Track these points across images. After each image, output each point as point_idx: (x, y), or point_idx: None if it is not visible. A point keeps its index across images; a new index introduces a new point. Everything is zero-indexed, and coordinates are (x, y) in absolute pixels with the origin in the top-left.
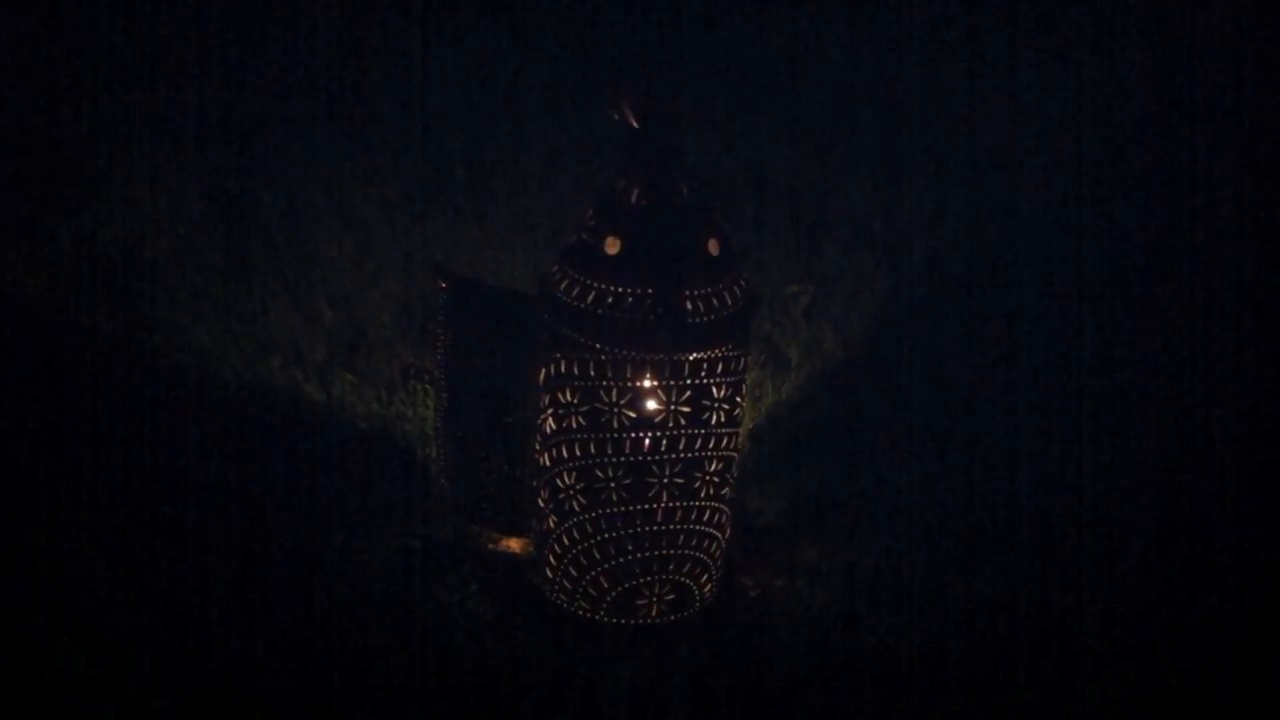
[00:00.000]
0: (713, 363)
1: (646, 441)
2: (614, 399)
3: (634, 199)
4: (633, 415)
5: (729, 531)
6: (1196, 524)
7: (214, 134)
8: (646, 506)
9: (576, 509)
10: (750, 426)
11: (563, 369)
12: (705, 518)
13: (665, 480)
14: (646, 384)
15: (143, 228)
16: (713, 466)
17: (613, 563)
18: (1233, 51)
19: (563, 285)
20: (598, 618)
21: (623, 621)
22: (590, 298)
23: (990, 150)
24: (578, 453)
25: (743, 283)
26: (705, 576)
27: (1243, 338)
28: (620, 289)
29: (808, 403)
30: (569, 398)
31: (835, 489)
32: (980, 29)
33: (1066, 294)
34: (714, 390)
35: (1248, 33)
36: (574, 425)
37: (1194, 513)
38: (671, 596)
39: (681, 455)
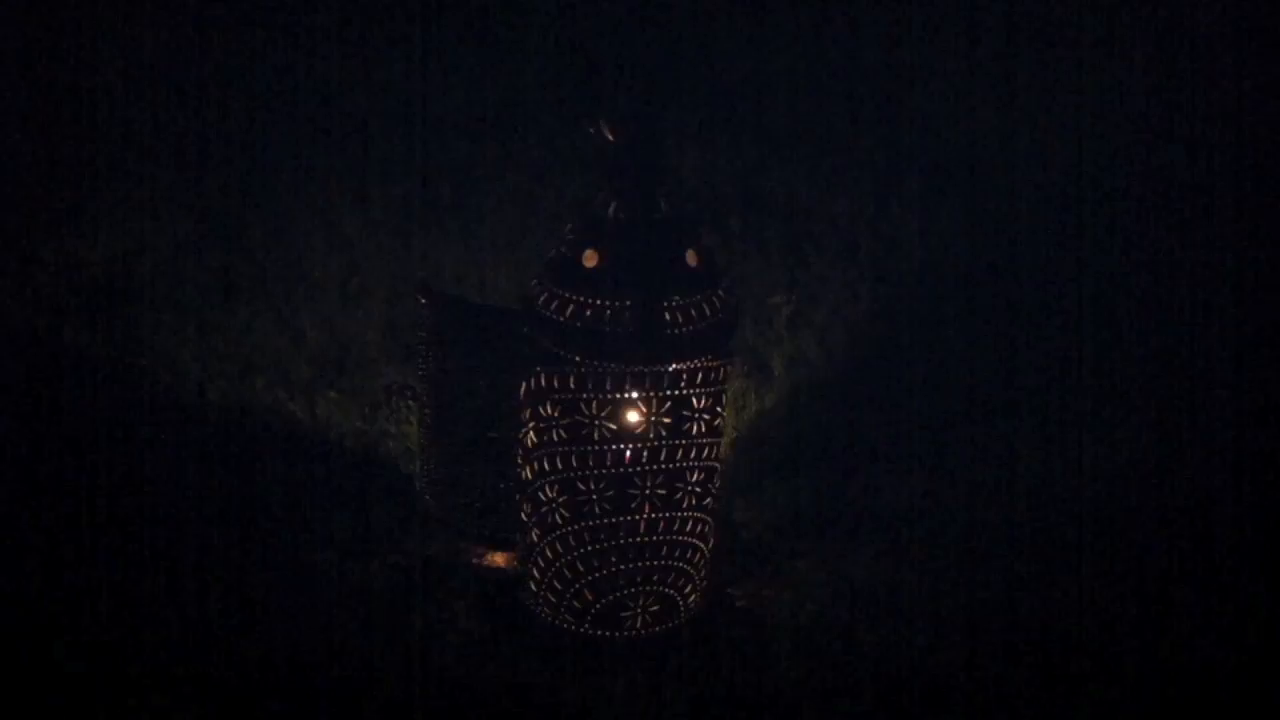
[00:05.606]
0: (692, 373)
1: (628, 453)
2: (594, 411)
3: (612, 212)
4: (613, 427)
5: (713, 542)
6: (1195, 533)
7: (201, 154)
8: (629, 518)
9: (560, 522)
10: (734, 438)
11: (543, 382)
12: (688, 528)
13: (647, 491)
14: (627, 396)
15: (129, 248)
16: (695, 477)
17: (597, 575)
18: (1233, 52)
19: (542, 299)
20: (583, 630)
21: (609, 634)
22: (569, 311)
23: (984, 158)
24: (560, 466)
25: (722, 293)
26: (689, 587)
27: (1243, 341)
28: (599, 302)
29: (793, 414)
30: (550, 411)
31: (822, 500)
32: (976, 38)
33: (1060, 300)
34: (694, 401)
35: (1248, 33)
36: (555, 438)
37: (1193, 522)
38: (656, 608)
39: (663, 466)
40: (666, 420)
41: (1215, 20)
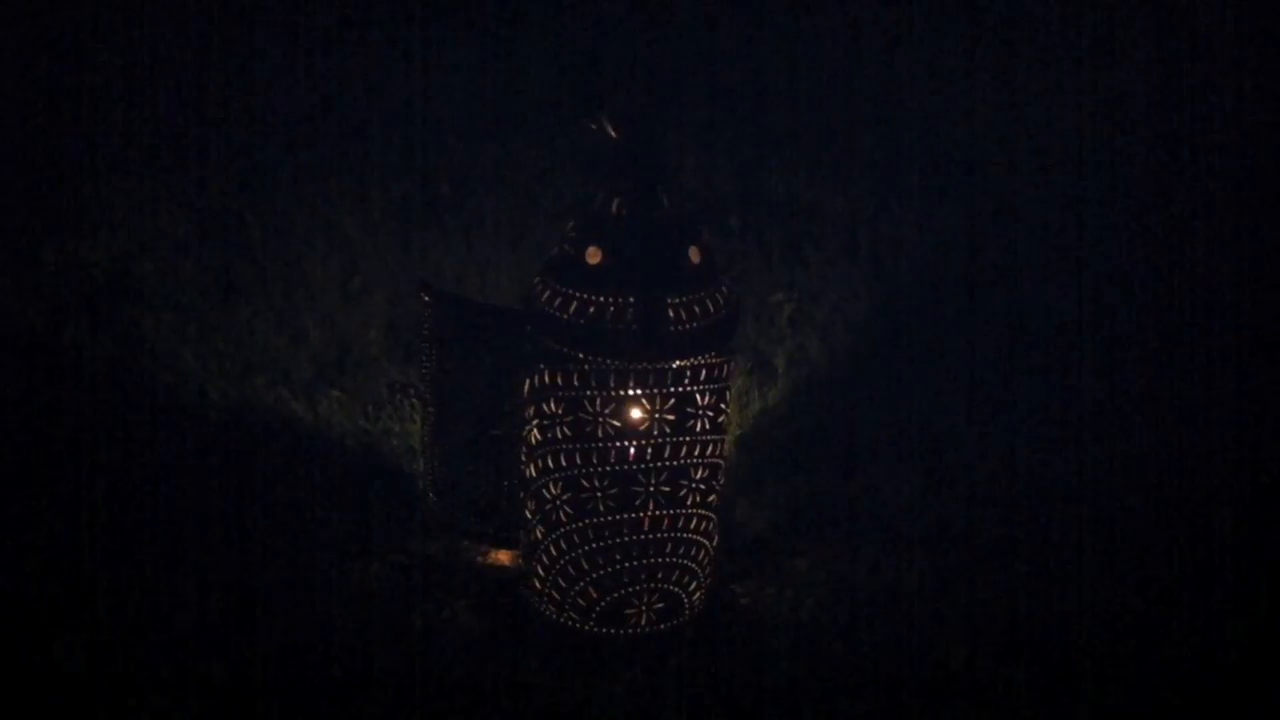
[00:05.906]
0: (696, 370)
1: (632, 450)
2: (598, 408)
3: (615, 209)
4: (617, 424)
5: (717, 539)
6: (1195, 533)
7: (200, 154)
8: (633, 515)
9: (564, 519)
10: (737, 435)
11: (547, 380)
12: (692, 525)
13: (651, 489)
14: (630, 393)
15: (129, 248)
16: (699, 474)
17: (601, 572)
18: (1233, 52)
19: (545, 296)
20: (587, 628)
21: (613, 632)
22: (572, 308)
23: (984, 158)
24: (564, 463)
25: (725, 290)
26: (694, 585)
27: (1243, 341)
28: (602, 299)
29: (795, 411)
30: (554, 408)
31: (825, 498)
32: (976, 38)
33: (1060, 300)
34: (698, 397)
35: (1248, 33)
36: (559, 436)
37: (1193, 522)
38: (661, 605)
39: (667, 463)
40: (670, 417)
41: (1215, 20)
